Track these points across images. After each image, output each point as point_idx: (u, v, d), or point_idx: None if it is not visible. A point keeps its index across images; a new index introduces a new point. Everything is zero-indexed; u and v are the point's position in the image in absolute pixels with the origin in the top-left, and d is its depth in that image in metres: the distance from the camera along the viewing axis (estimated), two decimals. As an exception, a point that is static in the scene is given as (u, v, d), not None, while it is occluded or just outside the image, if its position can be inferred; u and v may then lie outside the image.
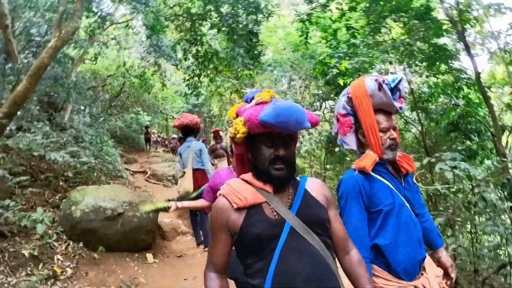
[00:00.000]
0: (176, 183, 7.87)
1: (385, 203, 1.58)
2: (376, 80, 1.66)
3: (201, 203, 2.53)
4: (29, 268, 3.20)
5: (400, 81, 1.69)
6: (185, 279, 3.55)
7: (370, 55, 4.91)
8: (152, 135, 17.96)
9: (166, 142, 17.95)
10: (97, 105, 12.30)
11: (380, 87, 1.63)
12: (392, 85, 1.68)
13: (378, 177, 1.64)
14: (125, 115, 15.26)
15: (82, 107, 10.53)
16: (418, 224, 1.64)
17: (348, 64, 5.00)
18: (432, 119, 7.16)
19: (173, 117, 18.49)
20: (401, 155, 1.73)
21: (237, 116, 1.37)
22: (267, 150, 1.25)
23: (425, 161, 3.86)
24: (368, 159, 1.60)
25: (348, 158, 6.70)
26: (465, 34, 4.73)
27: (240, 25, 5.40)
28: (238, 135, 1.28)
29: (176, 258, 4.07)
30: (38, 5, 7.89)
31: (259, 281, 1.14)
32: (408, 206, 1.64)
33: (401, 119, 7.19)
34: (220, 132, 7.11)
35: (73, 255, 3.64)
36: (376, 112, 1.67)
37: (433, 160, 3.81)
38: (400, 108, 1.71)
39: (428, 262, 1.66)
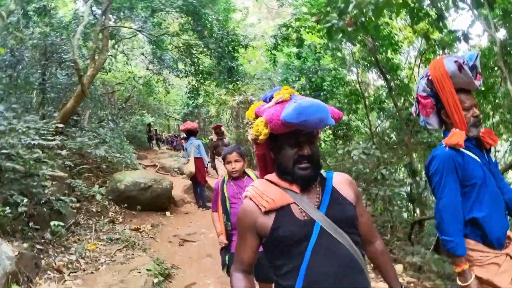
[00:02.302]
0: (181, 174, 10.29)
1: (478, 176, 1.69)
2: (456, 61, 1.72)
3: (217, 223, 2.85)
4: (97, 217, 5.57)
5: (476, 57, 1.75)
6: (189, 224, 5.96)
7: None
8: (162, 135, 20.26)
9: (172, 139, 20.13)
10: (110, 110, 14.64)
11: (461, 68, 1.69)
12: (470, 64, 1.74)
13: (468, 152, 1.73)
14: (132, 117, 17.65)
15: (101, 113, 12.94)
16: (501, 196, 1.76)
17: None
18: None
19: (175, 118, 20.92)
20: (483, 130, 1.81)
21: (257, 116, 1.36)
22: (291, 149, 1.25)
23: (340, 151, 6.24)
24: (459, 136, 1.69)
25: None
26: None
27: (224, 60, 7.87)
28: (260, 137, 1.26)
29: (183, 214, 6.52)
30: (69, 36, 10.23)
31: (290, 282, 1.17)
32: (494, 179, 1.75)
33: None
34: (222, 127, 7.31)
35: (120, 212, 6.03)
36: (458, 92, 1.74)
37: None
38: (479, 85, 1.79)
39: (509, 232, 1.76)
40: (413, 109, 2.02)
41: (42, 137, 5.09)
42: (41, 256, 3.66)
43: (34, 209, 4.27)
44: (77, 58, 5.93)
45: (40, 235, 4.12)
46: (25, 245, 3.48)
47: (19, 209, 3.83)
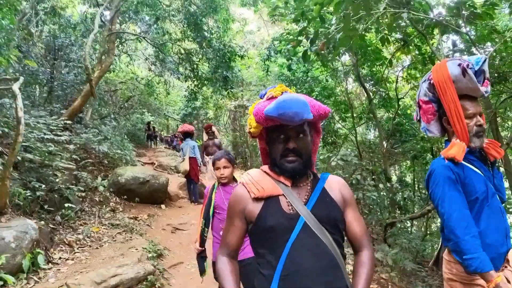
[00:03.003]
0: (177, 172, 11.02)
1: (480, 191, 1.60)
2: (459, 64, 1.63)
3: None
4: (99, 206, 6.29)
5: (484, 61, 1.65)
6: (181, 216, 6.69)
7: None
8: (161, 134, 20.96)
9: (172, 139, 20.87)
10: (112, 108, 15.38)
11: (464, 72, 1.61)
12: (476, 68, 1.64)
13: (469, 165, 1.65)
14: (132, 116, 18.38)
15: (102, 110, 13.68)
16: (505, 214, 1.67)
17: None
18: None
19: (174, 118, 21.69)
20: (488, 141, 1.70)
21: None
22: (279, 143, 1.33)
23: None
24: (458, 148, 1.61)
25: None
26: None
27: (220, 69, 8.66)
28: (251, 130, 1.40)
29: (177, 207, 7.26)
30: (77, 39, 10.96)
31: (269, 272, 1.24)
32: (497, 195, 1.66)
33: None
34: (213, 127, 7.51)
35: (120, 203, 6.76)
36: (461, 98, 1.65)
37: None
38: (486, 92, 1.68)
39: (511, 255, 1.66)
40: (414, 115, 1.94)
41: (53, 132, 5.85)
42: (54, 233, 4.40)
43: (47, 195, 5.00)
44: (89, 64, 6.63)
45: (51, 217, 4.85)
46: (42, 222, 4.22)
47: (37, 193, 4.58)
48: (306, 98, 1.33)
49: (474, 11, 3.62)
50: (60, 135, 5.93)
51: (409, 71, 8.48)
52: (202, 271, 2.85)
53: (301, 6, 3.44)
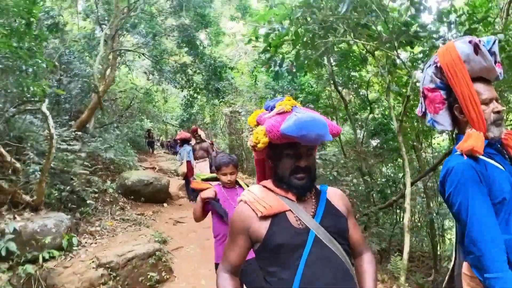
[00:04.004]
0: (177, 175, 12.16)
1: (506, 190, 1.40)
2: (470, 41, 1.46)
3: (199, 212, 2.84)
4: (110, 205, 7.42)
5: (494, 42, 1.50)
6: (181, 212, 7.83)
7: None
8: (160, 139, 22.09)
9: (172, 144, 22.00)
10: (112, 117, 16.52)
11: (476, 49, 1.44)
12: (488, 48, 1.48)
13: (490, 160, 1.45)
14: (132, 123, 19.56)
15: (104, 119, 14.82)
16: None
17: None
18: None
19: (172, 124, 22.85)
20: (506, 132, 1.51)
21: (258, 124, 1.46)
22: (289, 160, 1.33)
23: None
24: (476, 139, 1.39)
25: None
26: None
27: (211, 81, 9.87)
28: (259, 145, 1.34)
29: (177, 205, 8.41)
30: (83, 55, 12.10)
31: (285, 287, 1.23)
32: None
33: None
34: (198, 130, 7.74)
35: (128, 202, 7.89)
36: (474, 81, 1.47)
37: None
38: (501, 74, 1.52)
39: None
40: (418, 108, 1.73)
41: (66, 143, 6.99)
42: (78, 226, 5.53)
43: (68, 196, 6.14)
44: (97, 82, 7.77)
45: (72, 214, 5.98)
46: (68, 216, 5.35)
47: (62, 194, 5.72)
48: (322, 117, 1.35)
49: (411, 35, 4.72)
50: (73, 145, 7.08)
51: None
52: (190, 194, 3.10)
53: (267, 41, 4.57)
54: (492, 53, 1.49)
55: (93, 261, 4.16)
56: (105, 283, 3.94)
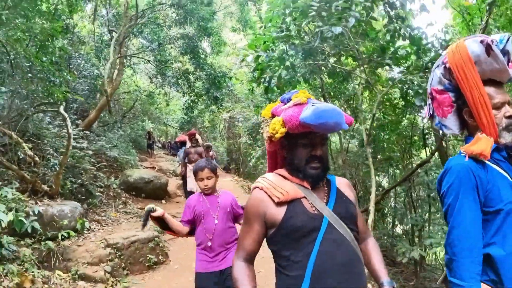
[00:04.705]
0: (176, 175, 13.03)
1: (506, 200, 1.33)
2: (482, 41, 1.39)
3: (180, 227, 2.74)
4: (114, 199, 8.27)
5: (508, 40, 1.41)
6: (178, 208, 8.69)
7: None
8: (160, 140, 22.97)
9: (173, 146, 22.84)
10: (116, 117, 17.43)
11: (488, 50, 1.38)
12: (500, 47, 1.40)
13: (494, 166, 1.40)
14: (134, 124, 20.49)
15: (107, 118, 15.73)
16: None
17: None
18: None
19: (173, 126, 23.78)
20: None
21: (273, 116, 1.51)
22: (304, 149, 1.42)
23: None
24: (485, 143, 1.35)
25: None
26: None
27: (211, 90, 10.82)
28: (277, 135, 1.41)
29: (175, 202, 9.28)
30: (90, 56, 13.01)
31: (299, 272, 1.31)
32: None
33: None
34: (196, 135, 7.83)
35: (129, 197, 8.75)
36: (485, 84, 1.41)
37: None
38: None
39: None
40: (425, 110, 1.69)
41: (75, 141, 7.86)
42: (86, 214, 6.39)
43: (77, 188, 7.01)
44: (107, 87, 8.67)
45: (81, 204, 6.84)
46: (80, 204, 6.21)
47: (74, 186, 6.59)
48: (337, 107, 1.41)
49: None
50: (81, 143, 7.95)
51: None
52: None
53: (257, 61, 5.45)
54: (505, 53, 1.41)
55: (101, 242, 5.02)
56: (111, 260, 4.80)
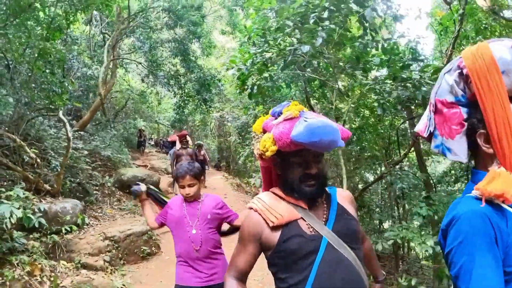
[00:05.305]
0: (167, 173, 13.67)
1: None
2: None
3: (151, 220, 2.86)
4: (108, 197, 8.90)
5: None
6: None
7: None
8: (152, 137, 23.52)
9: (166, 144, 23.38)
10: (108, 117, 17.99)
11: None
12: None
13: None
14: (126, 122, 21.04)
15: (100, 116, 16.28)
16: None
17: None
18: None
19: (164, 124, 24.37)
20: None
21: (264, 131, 1.46)
22: (298, 167, 1.35)
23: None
24: (506, 182, 0.98)
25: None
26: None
27: (200, 92, 11.49)
28: (267, 153, 1.35)
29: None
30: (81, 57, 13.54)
31: None
32: None
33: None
34: (187, 136, 8.06)
35: (123, 195, 9.39)
36: (511, 101, 1.03)
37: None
38: None
39: None
40: (421, 125, 1.22)
41: (71, 141, 8.46)
42: (85, 211, 7.03)
43: (75, 187, 7.64)
44: (101, 90, 9.27)
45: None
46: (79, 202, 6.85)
47: (73, 185, 7.22)
48: (333, 123, 1.33)
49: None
50: (77, 144, 8.57)
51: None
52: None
53: (240, 72, 6.11)
54: None
55: (100, 235, 5.68)
56: (109, 251, 5.47)
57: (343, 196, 1.49)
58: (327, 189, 1.48)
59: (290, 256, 1.31)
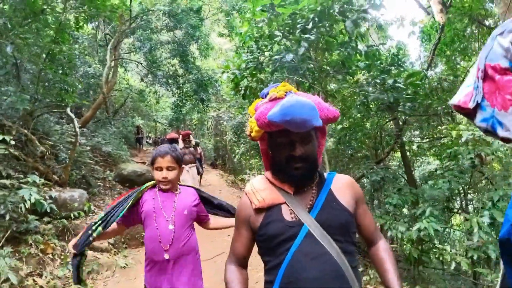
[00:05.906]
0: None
1: None
2: None
3: (114, 233, 2.42)
4: (109, 190, 9.54)
5: None
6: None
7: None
8: (150, 135, 24.10)
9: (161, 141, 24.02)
10: (106, 114, 18.61)
11: None
12: None
13: None
14: (124, 120, 21.66)
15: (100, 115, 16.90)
16: None
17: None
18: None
19: (162, 123, 25.01)
20: None
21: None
22: (283, 148, 1.32)
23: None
24: None
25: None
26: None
27: (198, 92, 12.18)
28: (252, 134, 1.38)
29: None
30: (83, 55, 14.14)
31: (271, 278, 1.31)
32: None
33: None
34: (190, 136, 8.26)
35: (123, 189, 10.03)
36: None
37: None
38: None
39: None
40: (461, 95, 1.04)
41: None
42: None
43: (79, 180, 8.29)
44: (105, 89, 9.91)
45: (83, 193, 8.13)
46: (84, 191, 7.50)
47: (78, 177, 7.87)
48: (315, 100, 1.31)
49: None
50: (80, 139, 9.20)
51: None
52: (75, 280, 2.20)
53: (234, 75, 6.78)
54: None
55: (105, 221, 6.34)
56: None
57: (341, 182, 1.42)
58: (325, 174, 1.45)
59: (270, 241, 1.32)
